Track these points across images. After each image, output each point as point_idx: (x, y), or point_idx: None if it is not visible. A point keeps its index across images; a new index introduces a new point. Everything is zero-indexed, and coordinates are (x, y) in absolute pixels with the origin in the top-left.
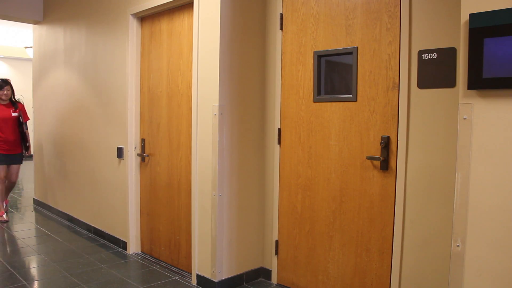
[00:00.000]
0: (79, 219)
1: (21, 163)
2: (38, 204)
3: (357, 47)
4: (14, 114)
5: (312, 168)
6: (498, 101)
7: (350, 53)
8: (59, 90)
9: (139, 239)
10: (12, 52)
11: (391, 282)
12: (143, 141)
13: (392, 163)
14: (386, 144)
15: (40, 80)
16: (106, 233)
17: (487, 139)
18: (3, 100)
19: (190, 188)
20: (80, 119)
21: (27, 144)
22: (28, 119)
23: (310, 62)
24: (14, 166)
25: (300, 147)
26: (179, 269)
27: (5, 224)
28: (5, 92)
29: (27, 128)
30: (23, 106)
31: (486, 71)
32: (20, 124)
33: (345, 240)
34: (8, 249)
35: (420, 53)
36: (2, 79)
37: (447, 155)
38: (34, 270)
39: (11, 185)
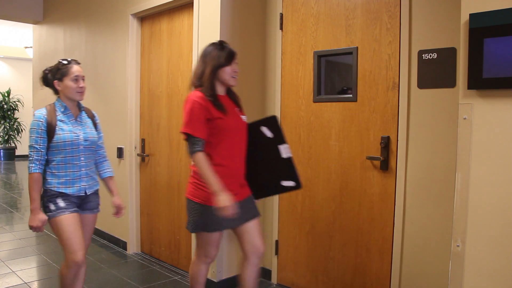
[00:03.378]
0: None
1: (259, 215)
2: None
3: (357, 47)
4: (243, 118)
5: (312, 168)
6: (498, 101)
7: (350, 53)
8: None
9: (139, 239)
10: (12, 52)
11: (391, 282)
12: (143, 141)
13: (392, 163)
14: (386, 144)
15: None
16: (106, 233)
17: (487, 139)
18: (223, 87)
19: None
20: None
21: (285, 184)
22: None
23: (310, 62)
24: (251, 226)
25: (300, 147)
26: (179, 269)
27: None
28: (235, 68)
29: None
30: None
31: (486, 71)
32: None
33: (345, 240)
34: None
35: (420, 53)
36: (219, 43)
37: (447, 155)
38: (34, 270)
39: (253, 264)
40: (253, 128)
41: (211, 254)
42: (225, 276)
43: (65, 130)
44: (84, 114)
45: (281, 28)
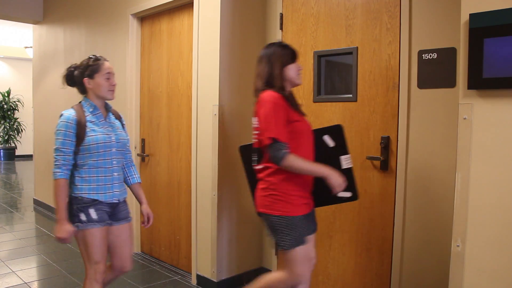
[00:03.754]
0: None
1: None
2: (38, 204)
3: (357, 47)
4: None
5: None
6: (498, 101)
7: (350, 53)
8: (59, 90)
9: (139, 239)
10: (12, 52)
11: (391, 282)
12: (143, 141)
13: (392, 163)
14: (386, 144)
15: (40, 80)
16: None
17: (487, 139)
18: (289, 87)
19: (190, 188)
20: None
21: (341, 195)
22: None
23: (310, 62)
24: (312, 238)
25: None
26: (179, 269)
27: None
28: (299, 66)
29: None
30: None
31: (486, 71)
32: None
33: (345, 240)
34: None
35: (420, 53)
36: (278, 42)
37: (447, 155)
38: (34, 270)
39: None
40: (315, 136)
41: (306, 275)
42: (225, 276)
43: (97, 132)
44: (111, 115)
45: (281, 28)
